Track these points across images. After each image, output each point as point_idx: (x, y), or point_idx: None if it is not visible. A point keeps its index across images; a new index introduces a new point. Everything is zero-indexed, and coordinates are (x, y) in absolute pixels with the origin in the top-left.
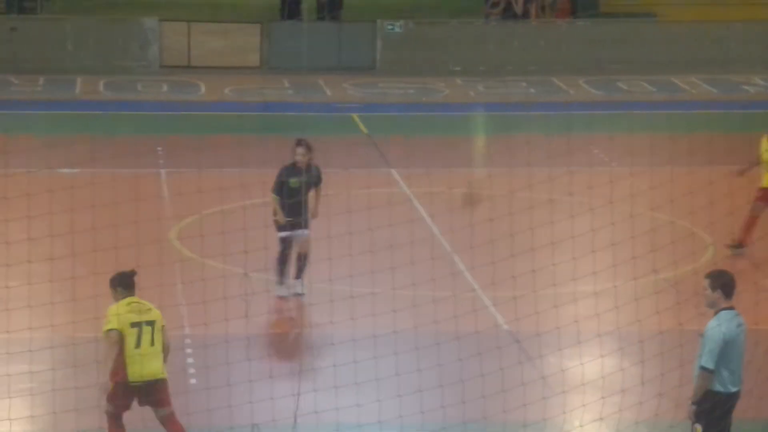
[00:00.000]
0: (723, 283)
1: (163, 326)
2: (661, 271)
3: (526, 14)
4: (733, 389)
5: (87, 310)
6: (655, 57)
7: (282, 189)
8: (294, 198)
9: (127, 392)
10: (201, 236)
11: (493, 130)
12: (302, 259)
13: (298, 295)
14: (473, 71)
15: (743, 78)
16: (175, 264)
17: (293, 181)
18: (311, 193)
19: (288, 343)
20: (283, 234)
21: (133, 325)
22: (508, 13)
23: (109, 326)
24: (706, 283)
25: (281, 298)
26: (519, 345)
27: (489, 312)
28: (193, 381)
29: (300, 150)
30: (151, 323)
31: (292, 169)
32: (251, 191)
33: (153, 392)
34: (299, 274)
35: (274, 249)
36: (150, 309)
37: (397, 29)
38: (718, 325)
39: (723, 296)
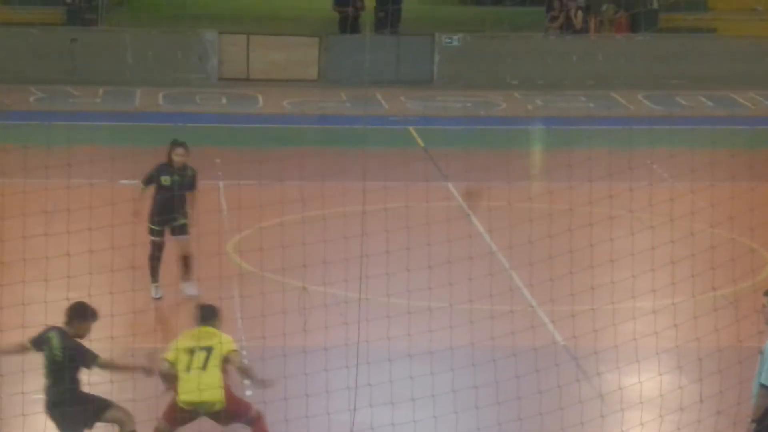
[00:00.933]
0: None
1: (232, 351)
2: (720, 288)
3: (584, 29)
4: None
5: (145, 323)
6: (714, 72)
7: (151, 183)
8: (165, 195)
9: (180, 414)
10: (260, 249)
11: (551, 144)
12: (186, 261)
13: (192, 296)
14: (531, 85)
15: None
16: (234, 277)
17: (165, 179)
18: (189, 196)
19: (344, 357)
20: (155, 239)
21: (188, 350)
22: (567, 27)
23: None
24: (765, 300)
25: (155, 299)
26: (576, 362)
27: (547, 328)
28: (248, 393)
29: (179, 150)
30: (208, 349)
31: (167, 167)
32: (309, 204)
33: (210, 416)
34: (186, 277)
35: (334, 263)
36: (213, 336)
37: (455, 43)
38: None
39: None
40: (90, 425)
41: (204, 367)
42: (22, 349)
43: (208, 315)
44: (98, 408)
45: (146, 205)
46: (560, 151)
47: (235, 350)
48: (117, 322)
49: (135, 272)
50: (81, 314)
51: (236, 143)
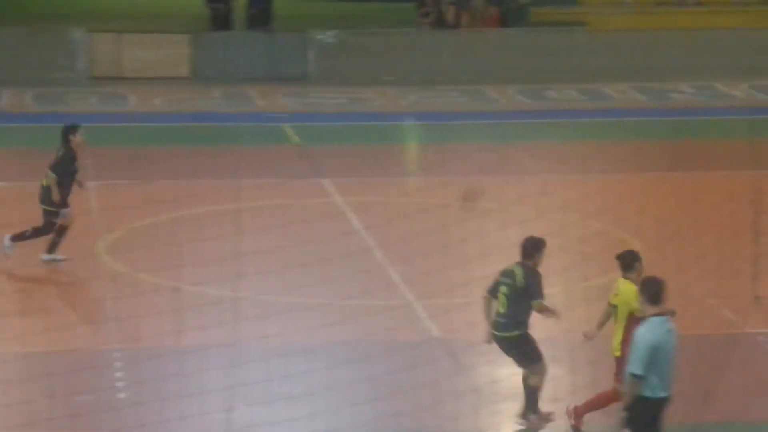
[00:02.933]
0: (651, 290)
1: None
2: (592, 279)
3: (457, 24)
4: (663, 394)
5: (12, 326)
6: (584, 65)
7: (64, 174)
8: (71, 180)
9: None
10: (131, 250)
11: (426, 139)
12: (63, 233)
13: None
14: (405, 81)
15: (671, 86)
16: (105, 279)
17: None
18: None
19: (220, 357)
20: (66, 210)
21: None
22: (439, 22)
23: None
24: (638, 288)
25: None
26: (453, 356)
27: (423, 323)
28: (121, 396)
29: (81, 138)
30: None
31: (73, 156)
32: (182, 203)
33: None
34: (55, 248)
35: (208, 262)
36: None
37: (329, 39)
38: (646, 331)
39: (651, 302)
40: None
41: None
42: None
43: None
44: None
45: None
46: (435, 147)
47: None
48: None
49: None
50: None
51: (107, 143)
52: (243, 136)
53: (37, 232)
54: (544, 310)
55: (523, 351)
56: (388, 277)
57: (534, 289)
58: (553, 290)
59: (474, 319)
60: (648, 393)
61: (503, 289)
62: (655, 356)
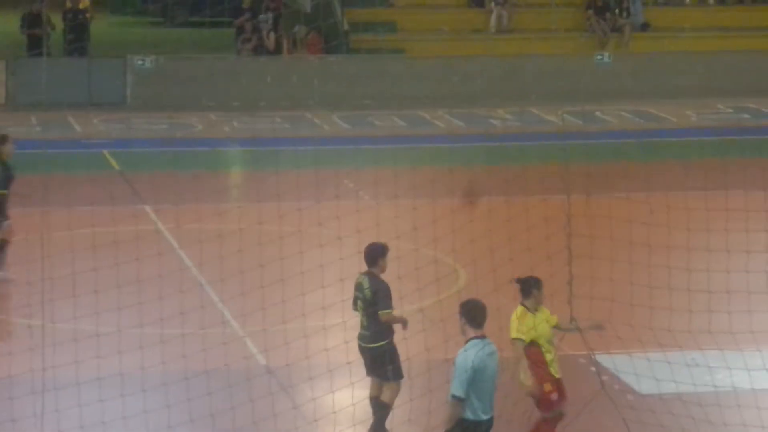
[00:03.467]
0: (471, 312)
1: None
2: (407, 298)
3: (278, 50)
4: (484, 417)
5: None
6: (404, 92)
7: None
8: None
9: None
10: None
11: (247, 165)
12: (4, 247)
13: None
14: (227, 106)
15: (487, 111)
16: None
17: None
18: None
19: (30, 385)
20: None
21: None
22: (260, 48)
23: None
24: (459, 310)
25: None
26: (270, 376)
27: (240, 344)
28: None
29: (11, 147)
30: None
31: (5, 167)
32: None
33: None
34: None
35: (17, 288)
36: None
37: (147, 64)
38: (466, 353)
39: (471, 324)
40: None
41: None
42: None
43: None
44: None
45: None
46: (254, 172)
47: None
48: None
49: None
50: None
51: None
52: (60, 162)
53: None
54: (392, 320)
55: (385, 363)
56: (204, 297)
57: (380, 299)
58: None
59: (290, 339)
60: (470, 415)
61: (359, 302)
62: (476, 378)
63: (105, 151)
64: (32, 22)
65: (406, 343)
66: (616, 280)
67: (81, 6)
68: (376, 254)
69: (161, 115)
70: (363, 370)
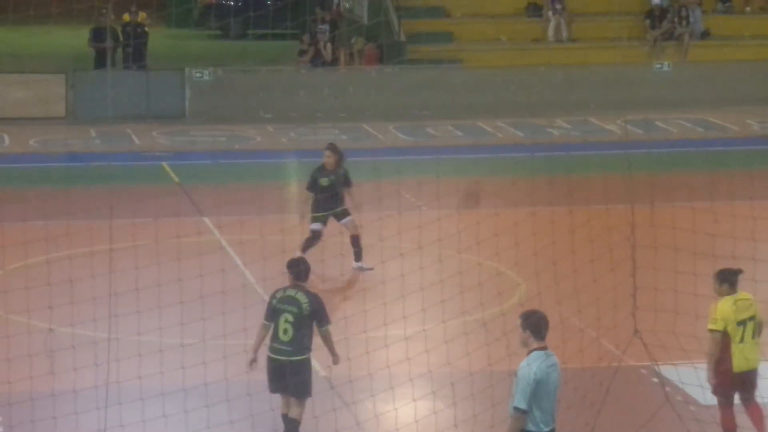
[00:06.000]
0: (533, 323)
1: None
2: (470, 312)
3: (335, 61)
4: (546, 429)
5: None
6: (462, 102)
7: (314, 187)
8: (325, 194)
9: (732, 382)
10: (4, 292)
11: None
12: (354, 241)
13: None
14: (285, 118)
15: (546, 121)
16: None
17: (323, 180)
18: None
19: (95, 398)
20: (315, 226)
21: (739, 323)
22: (317, 60)
23: (713, 326)
24: (519, 322)
25: None
26: (333, 391)
27: None
28: None
29: (327, 152)
30: (752, 319)
31: (322, 169)
32: (57, 244)
33: (750, 381)
34: (358, 256)
35: (80, 304)
36: (752, 304)
37: (205, 77)
38: (528, 365)
39: (533, 336)
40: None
41: (753, 335)
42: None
43: (735, 281)
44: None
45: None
46: None
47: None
48: None
49: None
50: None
51: None
52: (120, 175)
53: None
54: (329, 337)
55: (304, 378)
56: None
57: (322, 316)
58: (432, 324)
59: (352, 354)
60: (531, 427)
61: (287, 316)
62: (538, 390)
63: (164, 164)
64: (100, 35)
65: (469, 358)
66: (680, 291)
67: (139, 20)
68: (306, 269)
69: (220, 127)
70: (427, 385)
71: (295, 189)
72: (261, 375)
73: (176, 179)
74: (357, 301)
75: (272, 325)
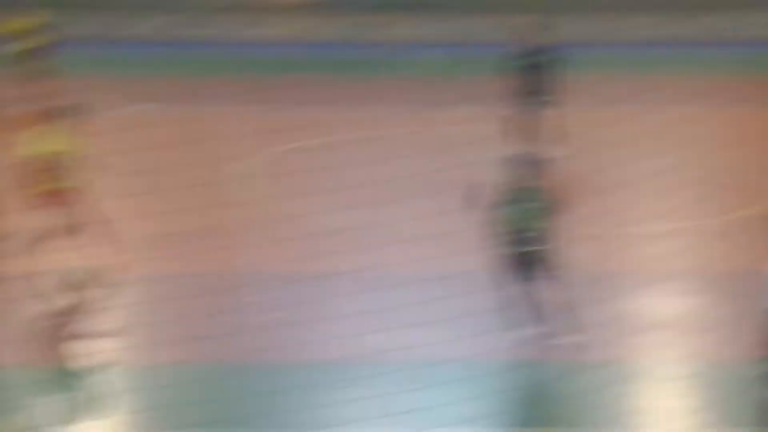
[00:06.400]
0: None
1: None
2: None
3: None
4: None
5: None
6: None
7: None
8: None
9: None
10: (276, 175)
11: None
12: None
13: None
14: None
15: None
16: (240, 204)
17: None
18: None
19: (353, 283)
20: None
21: None
22: None
23: None
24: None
25: None
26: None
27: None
28: (267, 317)
29: None
30: None
31: None
32: (312, 132)
33: None
34: None
35: (340, 190)
36: None
37: None
38: None
39: None
40: None
41: None
42: None
43: None
44: None
45: None
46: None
47: None
48: None
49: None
50: None
51: (244, 70)
52: (379, 65)
53: None
54: None
55: None
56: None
57: None
58: (691, 223)
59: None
60: None
61: None
62: None
63: (423, 53)
64: None
65: (727, 257)
66: None
67: None
68: None
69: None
70: (687, 283)
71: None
72: None
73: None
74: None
75: None
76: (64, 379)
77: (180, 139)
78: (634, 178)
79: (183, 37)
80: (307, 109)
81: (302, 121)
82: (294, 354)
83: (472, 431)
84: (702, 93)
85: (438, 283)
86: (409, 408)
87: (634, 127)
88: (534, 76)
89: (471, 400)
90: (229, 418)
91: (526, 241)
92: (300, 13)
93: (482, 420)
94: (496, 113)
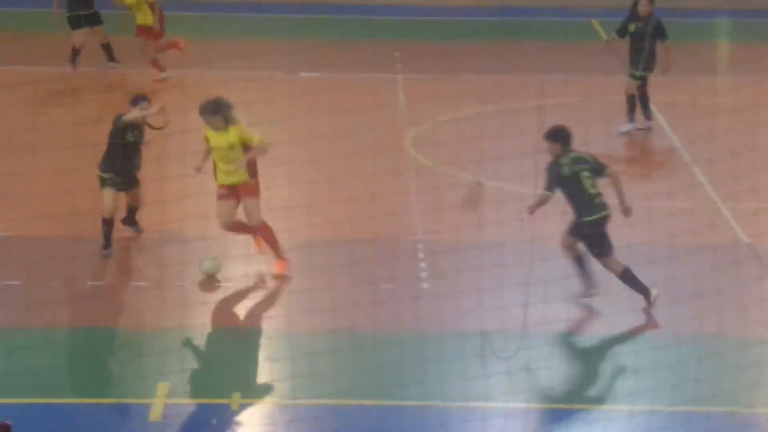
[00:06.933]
0: None
1: None
2: None
3: None
4: None
5: (321, 214)
6: None
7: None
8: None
9: None
10: (436, 144)
11: (740, 37)
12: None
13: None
14: None
15: None
16: (410, 171)
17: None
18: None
19: (518, 252)
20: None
21: None
22: None
23: None
24: None
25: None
26: (760, 260)
27: (729, 226)
28: (425, 286)
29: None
30: None
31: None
32: (485, 98)
33: None
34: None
35: (510, 158)
36: None
37: None
38: None
39: None
40: None
41: None
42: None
43: None
44: None
45: None
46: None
47: None
48: (293, 214)
49: (311, 165)
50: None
51: (415, 36)
52: (550, 31)
53: None
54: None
55: None
56: (693, 177)
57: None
58: None
59: None
60: None
61: (586, 174)
62: None
63: (593, 20)
64: None
65: None
66: None
67: None
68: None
69: None
70: None
71: (723, 49)
72: (685, 239)
73: (604, 36)
74: None
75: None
76: None
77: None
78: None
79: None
80: (482, 75)
81: (476, 88)
82: (450, 323)
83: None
84: None
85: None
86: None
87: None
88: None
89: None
90: (383, 386)
91: None
92: None
93: (643, 395)
94: None
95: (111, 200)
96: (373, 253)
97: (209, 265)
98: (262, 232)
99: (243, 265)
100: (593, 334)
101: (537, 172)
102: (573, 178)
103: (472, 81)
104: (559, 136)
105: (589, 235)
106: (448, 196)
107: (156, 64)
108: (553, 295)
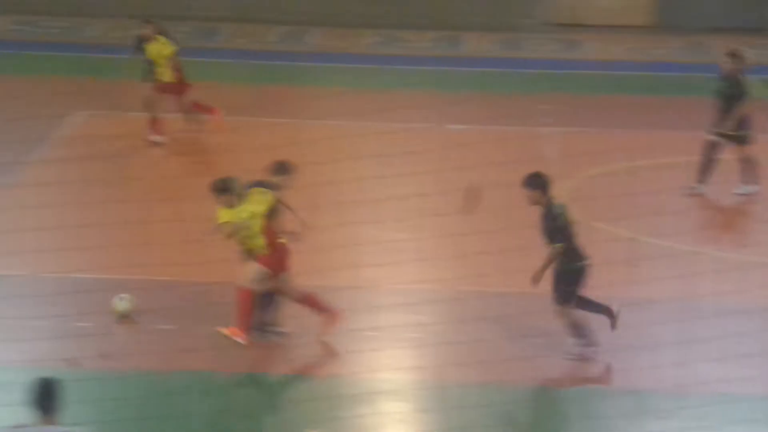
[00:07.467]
0: None
1: None
2: None
3: None
4: None
5: (471, 266)
6: None
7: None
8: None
9: None
10: (588, 198)
11: None
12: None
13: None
14: None
15: None
16: None
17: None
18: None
19: (674, 311)
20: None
21: None
22: None
23: None
24: None
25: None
26: None
27: None
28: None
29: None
30: None
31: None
32: (636, 153)
33: None
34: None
35: (664, 214)
36: None
37: None
38: None
39: None
40: None
41: None
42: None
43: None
44: None
45: None
46: None
47: None
48: (442, 265)
49: (462, 217)
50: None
51: (564, 90)
52: (699, 87)
53: None
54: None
55: None
56: None
57: None
58: None
59: None
60: None
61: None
62: None
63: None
64: None
65: None
66: None
67: None
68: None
69: None
70: None
71: None
72: None
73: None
74: None
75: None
76: None
77: (512, 157)
78: None
79: (493, 53)
80: (633, 130)
81: (627, 143)
82: (607, 381)
83: None
84: None
85: (758, 315)
86: None
87: None
88: None
89: None
90: None
91: None
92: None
93: None
94: None
95: None
96: (521, 306)
97: (124, 305)
98: (241, 296)
99: (394, 314)
100: (749, 395)
101: (693, 228)
102: (569, 225)
103: (622, 135)
104: (539, 182)
105: (569, 280)
106: (601, 251)
107: (200, 107)
108: (707, 355)
